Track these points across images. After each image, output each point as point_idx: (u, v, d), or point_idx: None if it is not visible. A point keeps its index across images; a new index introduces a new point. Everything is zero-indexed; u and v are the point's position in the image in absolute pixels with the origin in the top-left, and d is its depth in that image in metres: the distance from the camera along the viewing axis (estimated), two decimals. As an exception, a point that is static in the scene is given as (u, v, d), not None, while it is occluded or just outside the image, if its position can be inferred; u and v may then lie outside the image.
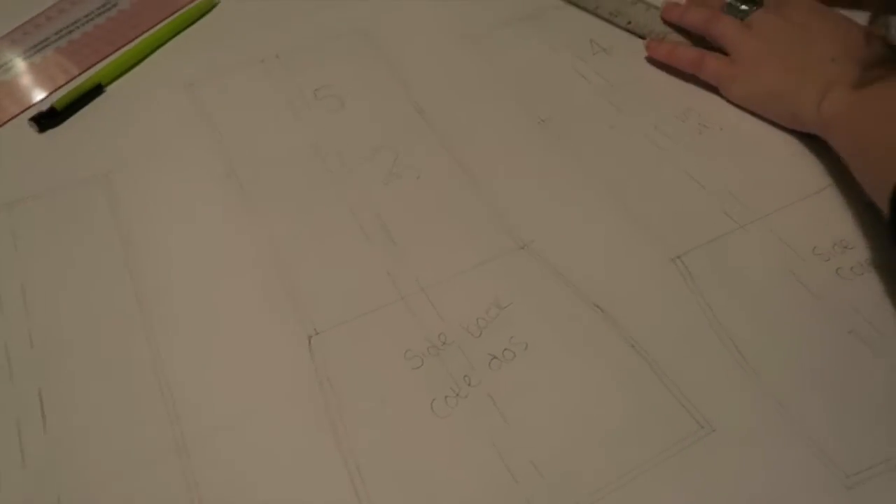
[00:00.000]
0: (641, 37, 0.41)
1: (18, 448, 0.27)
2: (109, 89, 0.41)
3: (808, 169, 0.34)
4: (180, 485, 0.26)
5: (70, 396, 0.28)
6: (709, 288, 0.30)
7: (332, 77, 0.41)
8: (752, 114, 0.36)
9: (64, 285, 0.32)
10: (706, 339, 0.28)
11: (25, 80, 0.42)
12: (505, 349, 0.29)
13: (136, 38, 0.44)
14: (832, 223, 0.32)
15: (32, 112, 0.39)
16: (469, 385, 0.28)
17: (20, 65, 0.42)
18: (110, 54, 0.43)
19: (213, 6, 0.46)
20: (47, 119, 0.38)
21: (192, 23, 0.45)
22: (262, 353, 0.29)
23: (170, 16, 0.45)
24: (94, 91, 0.40)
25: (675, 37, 0.40)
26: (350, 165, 0.36)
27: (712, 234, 0.32)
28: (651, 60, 0.40)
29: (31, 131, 0.38)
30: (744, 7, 0.38)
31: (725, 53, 0.37)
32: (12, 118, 0.39)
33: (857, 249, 0.31)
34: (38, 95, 0.41)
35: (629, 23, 0.42)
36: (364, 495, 0.25)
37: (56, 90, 0.41)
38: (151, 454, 0.26)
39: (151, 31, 0.44)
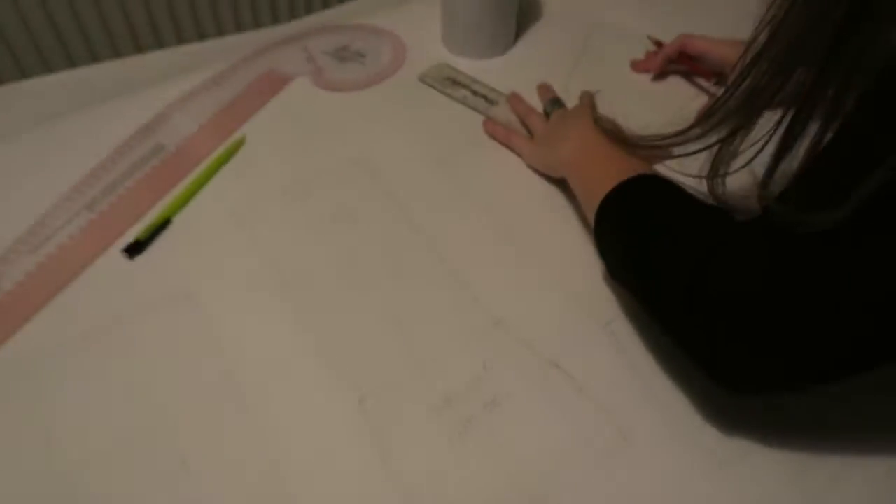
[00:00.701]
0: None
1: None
2: (174, 219, 0.54)
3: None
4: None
5: (214, 458, 0.41)
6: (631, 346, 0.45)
7: (345, 197, 0.55)
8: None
9: (173, 370, 0.44)
10: (628, 380, 0.43)
11: (102, 221, 0.54)
12: (493, 399, 0.43)
13: (186, 175, 0.57)
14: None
15: (119, 245, 0.51)
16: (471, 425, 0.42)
17: (101, 205, 0.55)
18: (168, 191, 0.56)
19: (242, 145, 0.59)
20: (135, 249, 0.51)
21: (229, 159, 0.58)
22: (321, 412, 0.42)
23: (209, 154, 0.59)
24: (165, 223, 0.53)
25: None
26: (367, 271, 0.50)
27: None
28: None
29: (121, 258, 0.51)
30: (549, 109, 0.59)
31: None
32: (103, 251, 0.52)
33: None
34: (118, 232, 0.53)
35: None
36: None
37: (132, 226, 0.53)
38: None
39: (198, 170, 0.57)
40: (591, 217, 0.46)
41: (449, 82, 0.65)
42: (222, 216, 0.54)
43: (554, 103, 0.59)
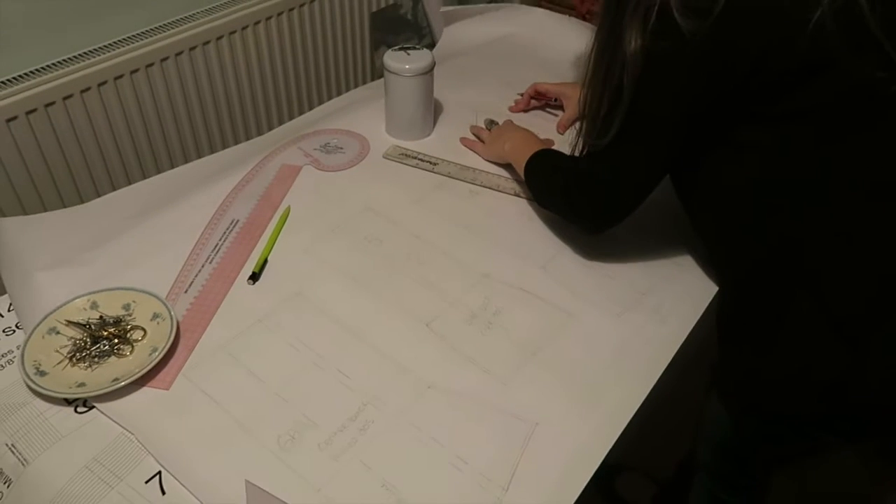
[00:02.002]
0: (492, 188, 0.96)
1: None
2: (269, 258, 0.85)
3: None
4: (411, 377, 0.72)
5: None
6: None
7: (370, 230, 0.89)
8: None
9: (305, 333, 0.75)
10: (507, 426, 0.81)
11: (222, 268, 0.84)
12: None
13: (259, 235, 0.88)
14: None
15: (242, 279, 0.82)
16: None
17: (216, 259, 0.84)
18: (253, 246, 0.87)
19: (290, 212, 0.92)
20: (254, 277, 0.82)
21: (286, 220, 0.91)
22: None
23: (269, 221, 0.90)
24: (265, 262, 0.84)
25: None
26: (393, 267, 0.84)
27: (548, 253, 0.86)
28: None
29: (247, 285, 0.81)
30: (488, 125, 1.02)
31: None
32: (232, 285, 0.82)
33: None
34: (234, 273, 0.83)
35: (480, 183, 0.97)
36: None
37: (241, 268, 0.84)
38: (394, 372, 0.72)
39: (269, 229, 0.89)
40: (523, 176, 0.90)
41: (403, 156, 1.03)
42: (297, 251, 0.86)
43: (491, 122, 1.06)
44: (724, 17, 0.60)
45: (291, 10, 1.46)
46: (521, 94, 1.14)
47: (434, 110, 1.08)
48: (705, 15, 0.60)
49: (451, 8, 1.42)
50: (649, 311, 0.80)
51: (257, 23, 1.41)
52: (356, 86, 1.59)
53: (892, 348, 0.65)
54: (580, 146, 0.80)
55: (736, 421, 0.82)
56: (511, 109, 1.13)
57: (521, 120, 1.09)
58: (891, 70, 0.61)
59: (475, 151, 1.03)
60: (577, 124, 0.81)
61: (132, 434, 0.65)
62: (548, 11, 1.41)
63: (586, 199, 0.80)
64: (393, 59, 1.00)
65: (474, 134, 1.06)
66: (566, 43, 1.29)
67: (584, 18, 1.70)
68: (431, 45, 1.32)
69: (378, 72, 1.73)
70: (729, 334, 0.78)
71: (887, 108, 0.64)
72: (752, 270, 0.74)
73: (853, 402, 0.68)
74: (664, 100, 0.69)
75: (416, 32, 1.79)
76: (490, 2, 1.93)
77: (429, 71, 1.01)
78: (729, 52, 0.63)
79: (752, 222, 0.72)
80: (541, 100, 1.13)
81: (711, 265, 0.85)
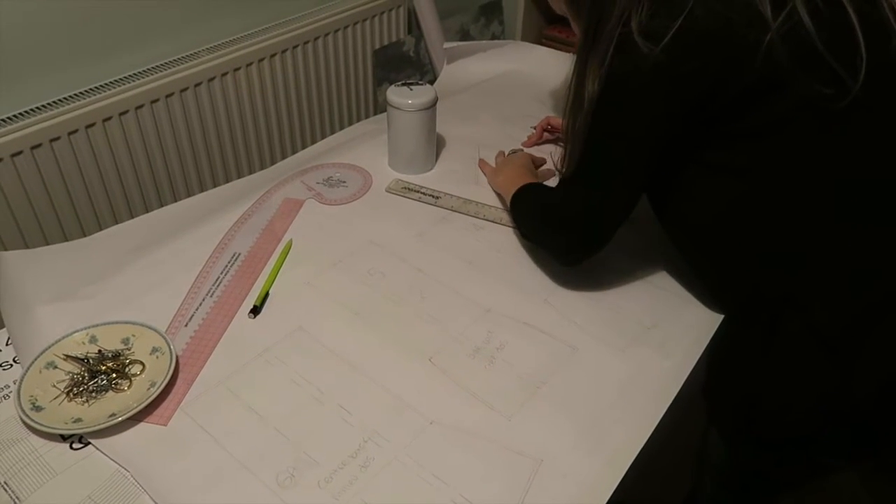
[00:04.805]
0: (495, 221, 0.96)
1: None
2: (271, 292, 0.84)
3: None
4: (413, 412, 0.70)
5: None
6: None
7: (372, 263, 0.89)
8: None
9: (305, 366, 0.74)
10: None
11: (223, 302, 0.83)
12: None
13: (261, 269, 0.88)
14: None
15: (242, 313, 0.81)
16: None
17: (217, 293, 0.84)
18: (254, 279, 0.86)
19: (291, 245, 0.92)
20: (255, 311, 0.81)
21: (287, 253, 0.90)
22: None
23: (270, 255, 0.90)
24: (266, 295, 0.84)
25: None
26: (396, 301, 0.84)
27: (551, 286, 0.85)
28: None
29: (248, 319, 0.81)
30: (506, 154, 1.00)
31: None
32: (233, 318, 0.81)
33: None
34: (235, 306, 0.83)
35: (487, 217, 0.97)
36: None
37: (242, 302, 0.83)
38: (396, 408, 0.71)
39: (271, 263, 0.88)
40: (508, 208, 0.92)
41: (406, 189, 1.03)
42: (299, 284, 0.86)
43: (513, 152, 1.08)
44: (678, 40, 0.63)
45: (296, 47, 1.48)
46: (534, 128, 1.15)
47: (436, 145, 1.09)
48: (660, 38, 0.64)
49: (453, 44, 1.44)
50: (654, 346, 0.79)
51: (262, 60, 1.43)
52: (359, 121, 1.60)
53: (877, 362, 0.66)
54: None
55: (734, 448, 0.81)
56: (524, 144, 1.14)
57: (535, 153, 1.11)
58: (838, 86, 0.64)
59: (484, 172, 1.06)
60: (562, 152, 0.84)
61: (128, 471, 0.64)
62: (549, 49, 1.43)
63: (557, 230, 0.81)
64: (396, 94, 1.01)
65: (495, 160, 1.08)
66: (567, 79, 1.30)
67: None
68: (433, 82, 1.34)
69: (381, 107, 1.75)
70: (718, 358, 0.78)
71: (839, 122, 0.66)
72: (738, 292, 0.75)
73: (846, 419, 0.68)
74: (622, 119, 0.70)
75: (419, 69, 1.82)
76: (491, 39, 1.96)
77: (431, 106, 1.02)
78: (685, 72, 0.66)
79: (732, 244, 0.73)
80: (553, 133, 1.14)
81: (705, 291, 0.84)
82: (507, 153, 1.08)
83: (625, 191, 0.75)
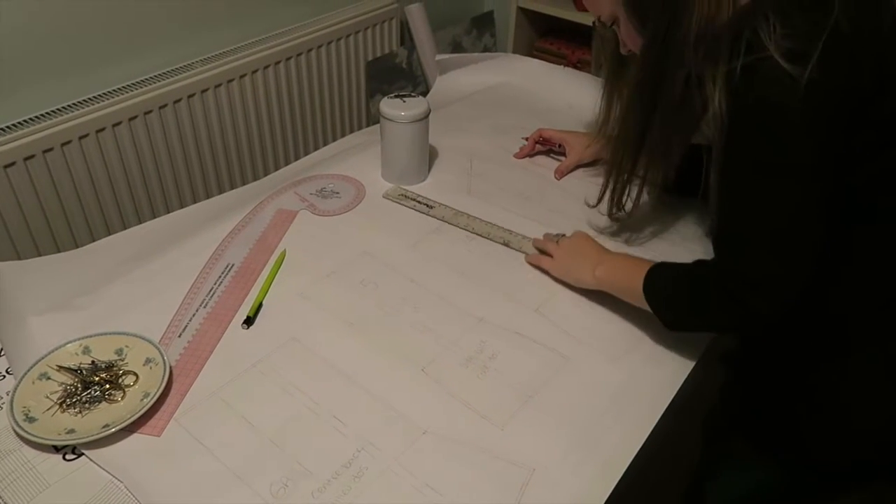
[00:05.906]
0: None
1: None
2: (264, 302, 0.85)
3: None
4: (406, 422, 0.71)
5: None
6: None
7: (365, 274, 0.89)
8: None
9: (298, 377, 0.75)
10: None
11: (216, 312, 0.84)
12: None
13: (255, 280, 0.88)
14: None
15: (235, 324, 0.81)
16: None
17: (210, 303, 0.84)
18: (248, 290, 0.87)
19: (285, 256, 0.92)
20: (249, 322, 0.81)
21: (281, 264, 0.91)
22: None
23: (263, 266, 0.90)
24: (260, 306, 0.84)
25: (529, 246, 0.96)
26: (389, 311, 0.84)
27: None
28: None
29: (241, 330, 0.81)
30: (557, 237, 0.93)
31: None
32: (227, 328, 0.81)
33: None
34: (228, 317, 0.83)
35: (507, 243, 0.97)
36: (470, 405, 0.73)
37: (235, 313, 0.83)
38: (389, 418, 0.71)
39: (264, 274, 0.89)
40: (636, 302, 0.77)
41: (402, 197, 1.04)
42: (293, 295, 0.86)
43: (559, 236, 0.91)
44: (827, 53, 0.59)
45: (289, 58, 1.49)
46: (526, 139, 1.16)
47: (429, 156, 1.10)
48: (808, 56, 0.59)
49: (445, 56, 1.45)
50: (646, 355, 0.79)
51: (255, 71, 1.44)
52: (352, 132, 1.61)
53: None
54: (609, 206, 0.83)
55: (774, 473, 0.80)
56: (516, 156, 1.14)
57: (527, 164, 1.13)
58: None
59: (543, 268, 0.90)
60: (604, 185, 0.83)
61: (121, 482, 0.64)
62: (540, 61, 1.45)
63: (752, 298, 0.65)
64: (389, 105, 1.02)
65: (538, 248, 0.93)
66: (558, 91, 1.32)
67: (575, 67, 1.74)
68: (425, 93, 1.35)
69: (373, 118, 1.76)
70: (757, 382, 0.78)
71: None
72: (818, 321, 0.71)
73: None
74: (804, 149, 0.62)
75: (411, 81, 1.83)
76: (483, 51, 1.98)
77: (424, 118, 1.03)
78: (841, 82, 0.61)
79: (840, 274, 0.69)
80: (545, 145, 1.15)
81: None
82: (555, 240, 0.91)
83: (814, 223, 0.63)
